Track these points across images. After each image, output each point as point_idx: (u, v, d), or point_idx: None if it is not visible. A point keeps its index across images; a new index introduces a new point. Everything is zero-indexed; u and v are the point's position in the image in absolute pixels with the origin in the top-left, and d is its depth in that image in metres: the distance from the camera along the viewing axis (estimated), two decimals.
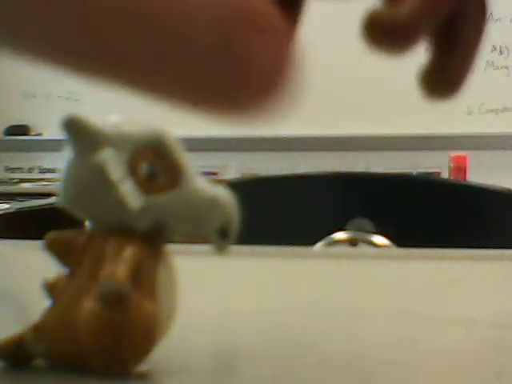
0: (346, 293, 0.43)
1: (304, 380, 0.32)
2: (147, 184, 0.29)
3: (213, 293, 0.45)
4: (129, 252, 0.29)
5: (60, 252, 0.29)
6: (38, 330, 0.28)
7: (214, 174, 2.66)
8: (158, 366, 0.31)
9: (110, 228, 0.30)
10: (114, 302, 0.27)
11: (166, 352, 0.32)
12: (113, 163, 0.29)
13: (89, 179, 0.29)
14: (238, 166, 2.65)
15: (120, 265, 0.28)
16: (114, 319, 0.27)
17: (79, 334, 0.27)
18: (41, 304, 0.29)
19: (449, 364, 0.28)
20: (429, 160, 2.62)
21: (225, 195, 0.30)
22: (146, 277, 0.29)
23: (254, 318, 0.43)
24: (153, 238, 0.29)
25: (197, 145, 2.03)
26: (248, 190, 1.21)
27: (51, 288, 0.29)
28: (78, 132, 0.29)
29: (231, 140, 2.32)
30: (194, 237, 0.30)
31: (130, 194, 0.29)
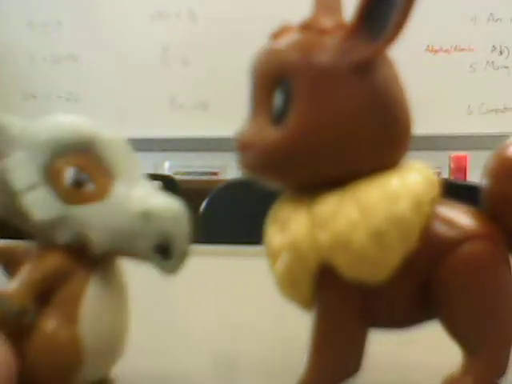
0: None
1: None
2: (72, 192, 0.25)
3: (212, 293, 0.45)
4: (35, 267, 0.25)
5: (4, 262, 0.27)
6: None
7: (214, 174, 2.65)
8: (158, 367, 0.31)
9: (35, 239, 0.27)
10: (8, 320, 0.24)
11: (165, 352, 0.32)
12: (21, 168, 0.25)
13: None
14: (238, 166, 2.64)
15: (20, 281, 0.25)
16: (13, 338, 0.24)
17: None
18: None
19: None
20: (429, 160, 2.61)
21: (166, 208, 0.26)
22: (62, 295, 0.26)
23: (254, 318, 0.43)
24: (80, 252, 0.26)
25: (197, 145, 2.03)
26: (248, 189, 1.21)
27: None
28: None
29: (231, 140, 2.32)
30: (128, 254, 0.26)
31: (39, 203, 0.25)
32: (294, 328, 0.41)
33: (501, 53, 2.22)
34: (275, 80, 0.25)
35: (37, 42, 2.26)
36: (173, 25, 2.16)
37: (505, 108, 2.36)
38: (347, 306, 0.25)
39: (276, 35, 0.26)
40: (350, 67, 0.24)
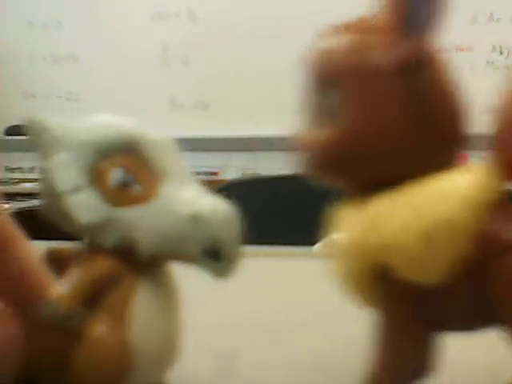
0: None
1: (302, 382, 0.32)
2: (117, 194, 0.25)
3: (212, 293, 0.45)
4: (83, 271, 0.25)
5: (52, 264, 0.26)
6: None
7: (214, 174, 2.65)
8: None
9: (83, 242, 0.26)
10: (55, 324, 0.24)
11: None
12: (65, 169, 0.24)
13: (44, 187, 0.25)
14: (237, 166, 2.65)
15: (68, 285, 0.24)
16: (58, 343, 0.24)
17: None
18: None
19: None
20: None
21: (216, 210, 0.25)
22: (111, 299, 0.25)
23: (254, 318, 0.43)
24: (128, 256, 0.25)
25: (197, 145, 2.03)
26: (248, 189, 1.21)
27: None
28: (37, 134, 0.25)
29: (231, 140, 2.32)
30: (177, 257, 0.26)
31: (84, 205, 0.24)
32: (295, 327, 0.41)
33: (501, 53, 2.22)
34: (328, 81, 0.25)
35: (37, 42, 2.26)
36: (173, 25, 2.16)
37: None
38: (404, 306, 0.25)
39: (326, 36, 0.26)
40: (397, 67, 0.25)
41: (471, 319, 0.27)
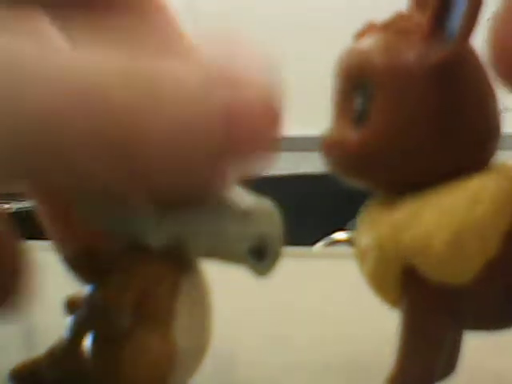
0: (346, 293, 0.43)
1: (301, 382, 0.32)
2: None
3: (212, 292, 0.45)
4: (130, 276, 0.24)
5: (84, 267, 0.26)
6: (52, 355, 0.25)
7: None
8: None
9: (125, 242, 0.25)
10: (105, 328, 0.24)
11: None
12: None
13: None
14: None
15: (116, 288, 0.24)
16: (109, 353, 0.24)
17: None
18: (49, 318, 0.28)
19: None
20: None
21: (263, 208, 0.25)
22: (155, 307, 0.24)
23: (253, 318, 0.43)
24: (172, 258, 0.25)
25: None
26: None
27: (72, 306, 0.25)
28: None
29: None
30: (222, 257, 0.25)
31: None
32: (295, 328, 0.41)
33: None
34: (357, 81, 0.25)
35: None
36: None
37: (505, 108, 2.36)
38: (432, 307, 0.25)
39: (359, 35, 0.26)
40: (429, 69, 0.25)
41: (499, 319, 0.27)
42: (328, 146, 0.26)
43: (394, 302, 0.26)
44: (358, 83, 0.25)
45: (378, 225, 0.25)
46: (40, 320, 0.34)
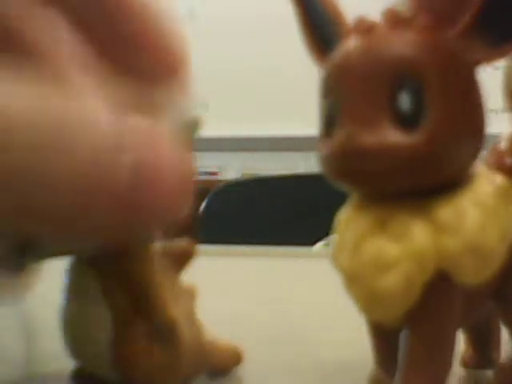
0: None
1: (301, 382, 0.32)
2: None
3: (211, 293, 0.45)
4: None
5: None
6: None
7: (213, 174, 2.65)
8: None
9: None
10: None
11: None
12: None
13: None
14: (238, 166, 2.65)
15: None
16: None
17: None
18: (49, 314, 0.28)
19: None
20: None
21: None
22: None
23: (253, 318, 0.43)
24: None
25: (197, 145, 2.03)
26: (248, 189, 1.21)
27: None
28: None
29: (231, 140, 2.32)
30: None
31: None
32: (295, 328, 0.41)
33: None
34: (396, 81, 0.23)
35: None
36: None
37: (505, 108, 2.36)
38: (454, 313, 0.25)
39: (365, 32, 0.24)
40: (472, 67, 0.24)
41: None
42: (363, 151, 0.23)
43: (396, 319, 0.25)
44: (397, 83, 0.23)
45: (408, 232, 0.24)
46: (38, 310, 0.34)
